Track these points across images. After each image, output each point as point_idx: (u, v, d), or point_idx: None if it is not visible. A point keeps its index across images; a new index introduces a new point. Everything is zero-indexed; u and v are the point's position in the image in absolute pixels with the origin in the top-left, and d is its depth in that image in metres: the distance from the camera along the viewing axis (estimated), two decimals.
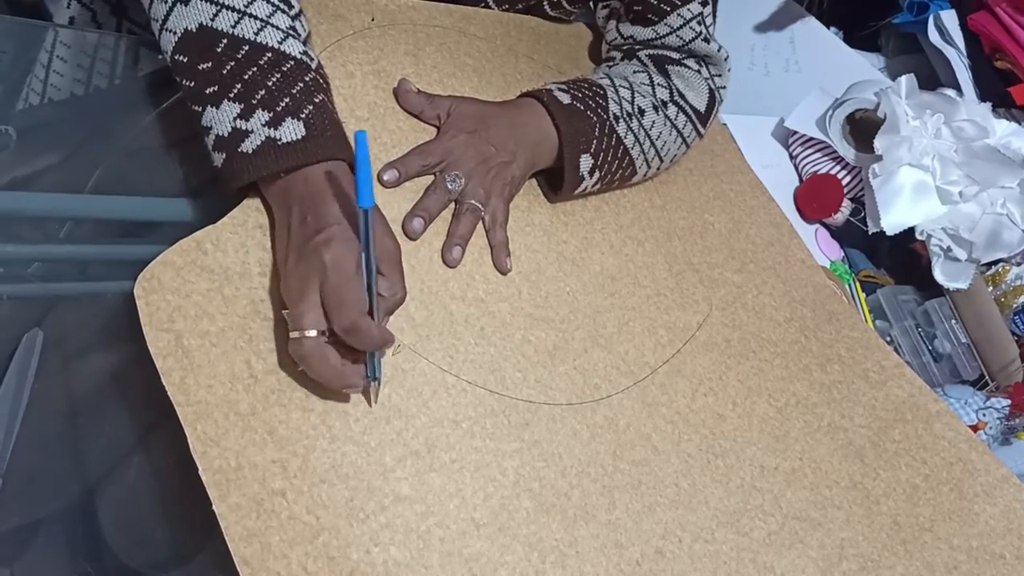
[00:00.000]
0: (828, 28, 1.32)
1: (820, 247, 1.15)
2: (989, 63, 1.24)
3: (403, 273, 0.62)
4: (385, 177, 0.71)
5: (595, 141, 0.81)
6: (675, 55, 0.90)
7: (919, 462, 0.86)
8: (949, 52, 1.24)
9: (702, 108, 0.90)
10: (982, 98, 1.20)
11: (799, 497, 0.77)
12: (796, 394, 0.85)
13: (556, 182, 0.82)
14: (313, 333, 0.56)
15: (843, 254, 1.17)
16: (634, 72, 0.89)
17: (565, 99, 0.80)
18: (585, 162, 0.80)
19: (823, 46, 1.29)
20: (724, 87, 0.93)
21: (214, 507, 0.53)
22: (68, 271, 0.65)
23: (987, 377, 1.06)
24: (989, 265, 1.11)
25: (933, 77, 1.27)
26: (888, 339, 1.07)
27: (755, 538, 0.72)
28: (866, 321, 1.06)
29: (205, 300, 0.59)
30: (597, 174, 0.82)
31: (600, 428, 0.71)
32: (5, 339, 0.58)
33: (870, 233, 1.11)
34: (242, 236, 0.62)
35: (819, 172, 1.18)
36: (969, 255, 1.08)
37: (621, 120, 0.83)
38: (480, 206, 0.74)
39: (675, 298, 0.85)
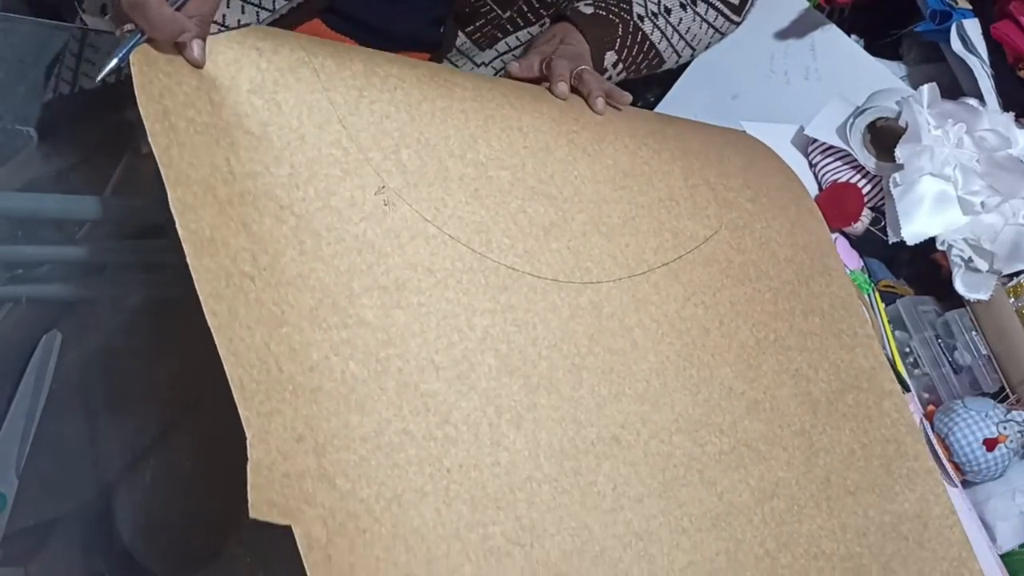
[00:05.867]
0: (849, 36, 1.31)
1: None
2: (1012, 72, 1.23)
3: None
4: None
5: (619, 40, 0.91)
6: None
7: (861, 431, 0.88)
8: (972, 61, 1.23)
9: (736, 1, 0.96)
10: (1005, 108, 1.19)
11: (754, 428, 0.78)
12: (776, 332, 0.87)
13: None
14: None
15: (862, 264, 1.16)
16: None
17: (588, 10, 0.90)
18: (609, 58, 0.91)
19: (844, 54, 1.29)
20: None
21: (188, 260, 0.51)
22: (86, 272, 0.65)
23: (1008, 389, 1.04)
24: (1010, 276, 1.10)
25: (955, 86, 1.26)
26: (908, 350, 1.06)
27: (707, 452, 0.73)
28: (885, 331, 1.05)
29: (193, 94, 0.58)
30: (621, 65, 0.93)
31: (582, 310, 0.71)
32: (24, 340, 0.58)
33: (890, 243, 1.10)
34: (237, 52, 0.62)
35: (839, 181, 1.17)
36: (990, 266, 1.07)
37: (646, 19, 0.91)
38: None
39: (686, 207, 0.86)
